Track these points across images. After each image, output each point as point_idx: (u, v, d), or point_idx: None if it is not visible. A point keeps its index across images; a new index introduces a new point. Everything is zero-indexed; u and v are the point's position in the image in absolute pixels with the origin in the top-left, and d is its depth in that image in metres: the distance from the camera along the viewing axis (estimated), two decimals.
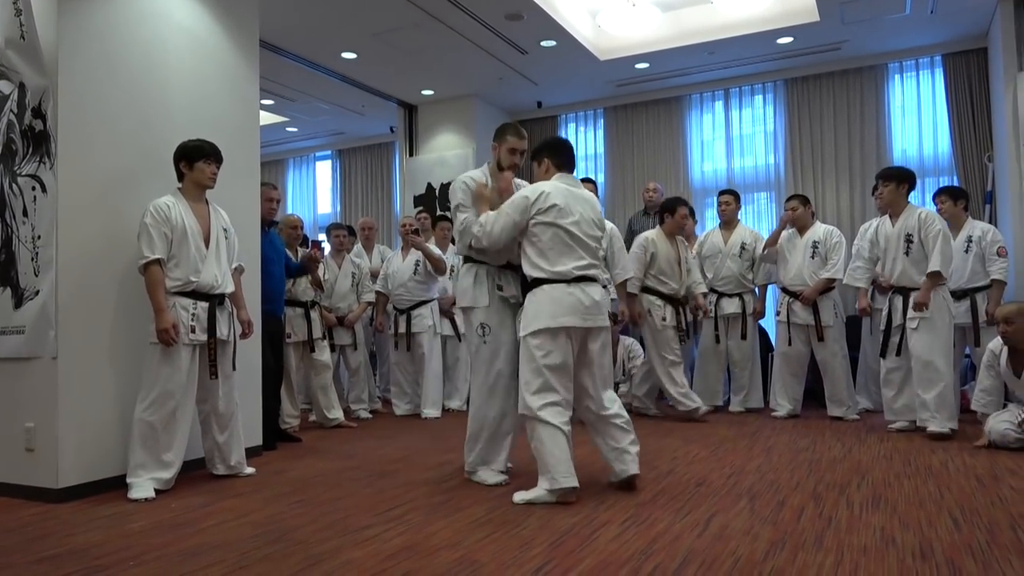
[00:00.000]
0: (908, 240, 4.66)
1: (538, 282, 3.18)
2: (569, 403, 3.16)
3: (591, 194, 3.41)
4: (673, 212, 5.41)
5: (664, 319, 5.34)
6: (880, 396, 5.60)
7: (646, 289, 5.39)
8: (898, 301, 4.70)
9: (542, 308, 3.13)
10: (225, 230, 3.69)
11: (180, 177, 3.61)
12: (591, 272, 3.22)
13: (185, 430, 3.51)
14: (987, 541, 2.51)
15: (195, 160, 3.57)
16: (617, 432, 3.30)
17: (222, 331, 3.60)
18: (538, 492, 3.05)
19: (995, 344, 4.30)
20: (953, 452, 4.06)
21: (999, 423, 4.14)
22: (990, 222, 5.97)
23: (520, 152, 3.58)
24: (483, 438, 3.45)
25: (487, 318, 3.41)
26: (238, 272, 3.84)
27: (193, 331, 3.48)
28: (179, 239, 3.47)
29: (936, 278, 4.51)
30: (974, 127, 6.49)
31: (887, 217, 4.86)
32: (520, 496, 3.04)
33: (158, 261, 3.43)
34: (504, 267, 3.48)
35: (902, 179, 4.72)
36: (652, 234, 5.48)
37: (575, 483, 3.04)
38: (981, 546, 2.46)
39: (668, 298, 5.37)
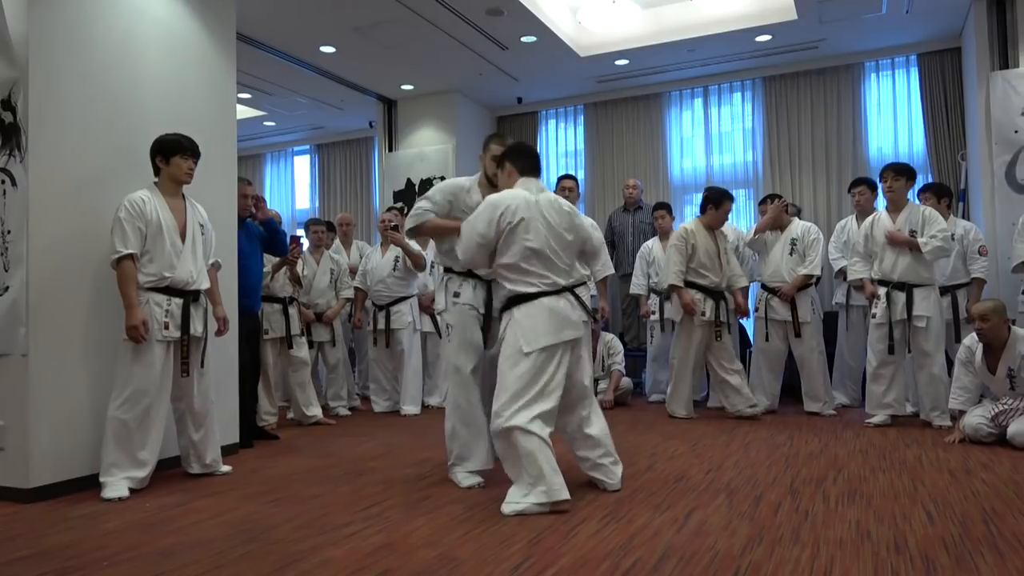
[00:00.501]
0: (911, 235, 4.71)
1: (529, 296, 3.08)
2: (554, 417, 3.09)
3: (557, 197, 3.29)
4: (718, 205, 5.24)
5: (704, 314, 5.20)
6: (856, 392, 5.70)
7: (688, 284, 5.26)
8: (899, 297, 4.73)
9: (542, 322, 3.04)
10: (202, 225, 3.65)
11: (156, 172, 3.57)
12: (571, 281, 3.20)
13: (159, 428, 3.47)
14: (960, 535, 2.55)
15: (171, 155, 3.53)
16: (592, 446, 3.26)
17: (196, 328, 3.56)
18: (527, 503, 2.92)
19: (971, 340, 4.36)
20: (927, 447, 4.11)
21: (973, 417, 4.21)
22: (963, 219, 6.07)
23: None
24: (460, 433, 3.43)
25: (450, 319, 3.47)
26: (215, 268, 3.80)
27: (166, 327, 3.45)
28: (154, 234, 3.43)
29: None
30: (948, 126, 6.58)
31: (884, 213, 4.89)
32: (510, 508, 2.91)
33: (131, 256, 3.39)
34: (466, 274, 3.49)
35: (912, 175, 4.83)
36: (691, 226, 5.31)
37: (568, 495, 2.96)
38: (955, 539, 2.49)
39: (708, 291, 5.24)
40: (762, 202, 5.99)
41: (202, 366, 3.63)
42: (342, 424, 5.40)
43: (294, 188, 9.92)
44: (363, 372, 6.63)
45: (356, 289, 5.94)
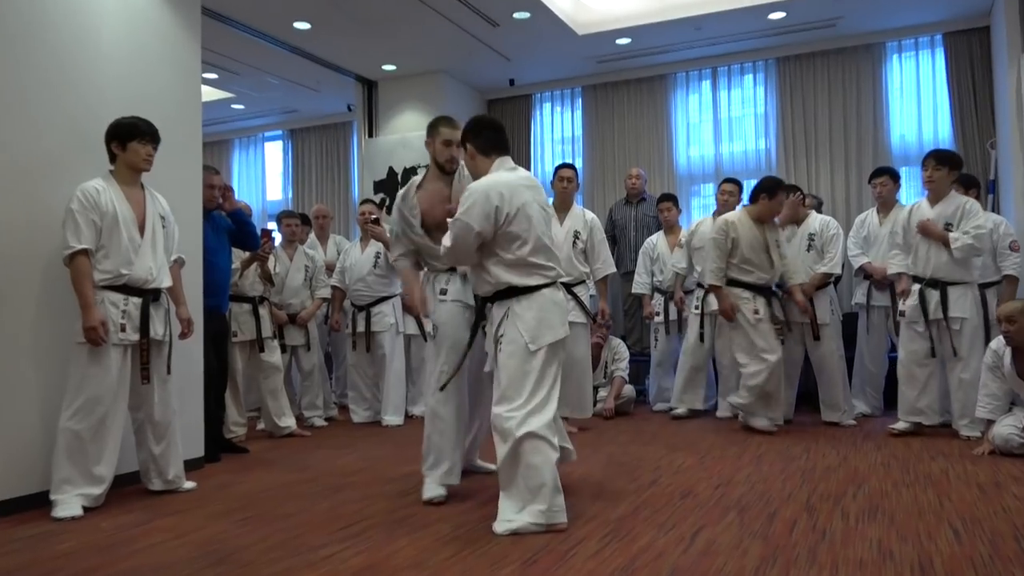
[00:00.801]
0: (947, 229, 4.71)
1: (530, 288, 3.07)
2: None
3: (529, 175, 3.28)
4: (772, 194, 5.10)
5: (757, 312, 5.06)
6: (878, 400, 5.72)
7: (731, 282, 5.14)
8: (932, 295, 4.73)
9: (548, 316, 3.04)
10: (163, 217, 3.63)
11: (112, 159, 3.55)
12: (564, 275, 3.25)
13: (116, 440, 3.45)
14: (990, 554, 2.55)
15: (129, 140, 3.50)
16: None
17: (156, 330, 3.55)
18: (523, 521, 2.91)
19: (998, 344, 4.37)
20: (954, 459, 4.13)
21: (1003, 427, 4.22)
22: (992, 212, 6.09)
23: (456, 144, 3.53)
24: (435, 443, 3.42)
25: (438, 318, 3.46)
26: (177, 264, 3.78)
27: (123, 329, 3.43)
28: (109, 227, 3.41)
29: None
30: (976, 111, 6.60)
31: (924, 202, 4.89)
32: (504, 526, 2.90)
33: (85, 251, 3.36)
34: (450, 269, 3.51)
35: (956, 164, 4.79)
36: (734, 216, 5.19)
37: (566, 518, 2.96)
38: (984, 559, 2.50)
39: (757, 288, 5.11)
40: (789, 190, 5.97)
41: (165, 372, 3.61)
42: (318, 436, 5.38)
43: (265, 177, 9.89)
44: (341, 379, 6.62)
45: (333, 288, 5.93)
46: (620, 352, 6.09)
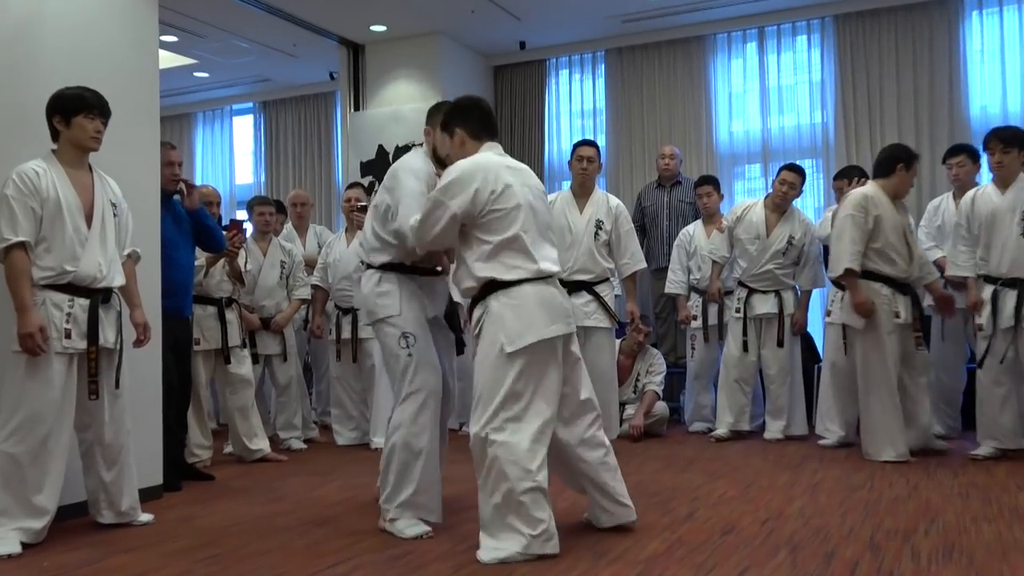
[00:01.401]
0: None
1: (509, 283, 3.12)
2: (549, 435, 3.13)
3: (516, 162, 3.35)
4: (909, 164, 4.93)
5: (897, 315, 4.87)
6: (955, 419, 5.69)
7: (867, 274, 4.91)
8: (1009, 296, 4.70)
9: (528, 313, 3.08)
10: (114, 205, 3.64)
11: (54, 136, 3.56)
12: (560, 270, 3.27)
13: (60, 465, 3.46)
14: None
15: (74, 114, 3.51)
16: (601, 470, 3.36)
17: (107, 337, 3.56)
18: (511, 549, 2.99)
19: None
20: None
21: None
22: None
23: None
24: (410, 476, 3.42)
25: (410, 326, 3.44)
26: (132, 260, 3.80)
27: (68, 336, 3.43)
28: (51, 216, 3.42)
29: None
30: None
31: (989, 187, 4.87)
32: (488, 555, 2.98)
33: (22, 245, 3.37)
34: (406, 269, 3.52)
35: None
36: (871, 191, 4.94)
37: (558, 548, 3.03)
38: None
39: (895, 284, 4.90)
40: (837, 177, 5.97)
41: (116, 386, 3.62)
42: (296, 460, 5.40)
43: (233, 158, 9.91)
44: (323, 394, 6.64)
45: (314, 287, 5.95)
46: (656, 364, 6.09)
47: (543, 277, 3.15)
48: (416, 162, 3.57)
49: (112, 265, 3.58)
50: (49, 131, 3.57)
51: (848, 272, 4.88)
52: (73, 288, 3.47)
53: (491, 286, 3.14)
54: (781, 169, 5.91)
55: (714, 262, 6.04)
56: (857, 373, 5.05)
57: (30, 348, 3.35)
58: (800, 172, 5.86)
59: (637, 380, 6.05)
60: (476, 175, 3.13)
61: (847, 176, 5.81)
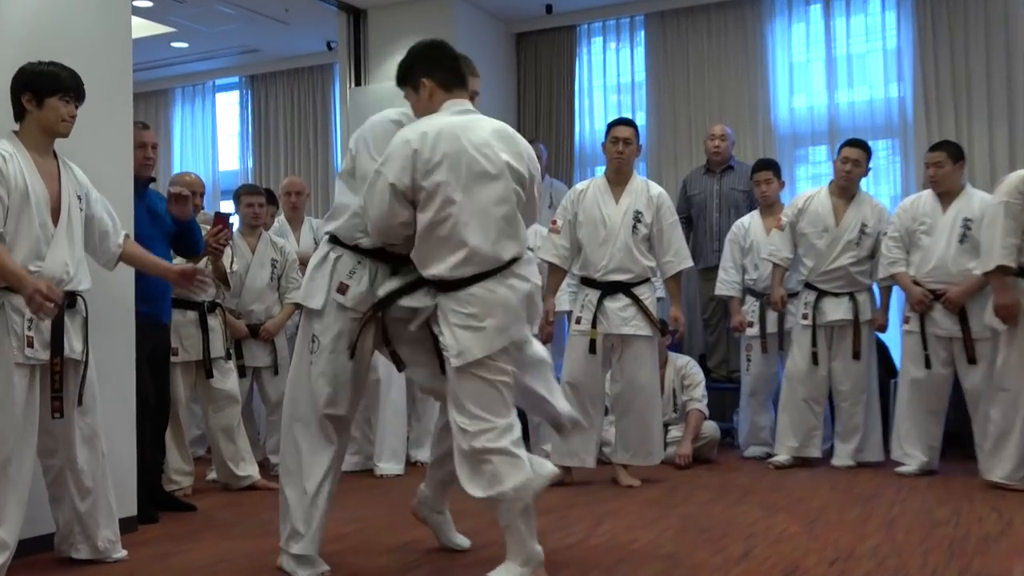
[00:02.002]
0: None
1: (456, 283, 3.13)
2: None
3: (498, 124, 3.31)
4: None
5: None
6: None
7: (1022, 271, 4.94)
8: None
9: (479, 319, 3.10)
10: (80, 198, 3.67)
11: (18, 115, 3.59)
12: (520, 251, 3.22)
13: (21, 493, 3.48)
14: None
15: (46, 94, 3.54)
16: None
17: (73, 347, 3.58)
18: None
19: None
20: None
21: None
22: None
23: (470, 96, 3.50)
24: (293, 505, 3.42)
25: (321, 328, 3.42)
26: (128, 239, 3.92)
27: (30, 344, 3.44)
28: (17, 208, 3.44)
29: None
30: None
31: None
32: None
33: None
34: (368, 253, 3.45)
35: None
36: None
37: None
38: None
39: None
40: (932, 150, 5.75)
41: (79, 402, 3.63)
42: None
43: (216, 140, 9.98)
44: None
45: None
46: (691, 375, 6.06)
47: (493, 271, 3.17)
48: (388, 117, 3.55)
49: (79, 266, 3.61)
50: (13, 110, 3.59)
51: (1000, 269, 4.86)
52: None
53: (441, 284, 3.19)
54: (842, 146, 5.90)
55: (775, 265, 5.99)
56: (982, 380, 5.17)
57: (42, 304, 3.30)
58: (864, 147, 5.84)
59: (674, 396, 6.02)
60: (411, 141, 3.12)
61: (938, 153, 5.54)
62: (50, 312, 3.35)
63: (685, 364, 6.13)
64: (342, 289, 3.37)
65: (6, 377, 3.41)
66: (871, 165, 5.90)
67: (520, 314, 3.17)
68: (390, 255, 3.38)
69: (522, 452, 3.07)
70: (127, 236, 3.90)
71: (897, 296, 6.04)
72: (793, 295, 6.07)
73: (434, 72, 3.30)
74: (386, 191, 3.12)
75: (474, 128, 3.18)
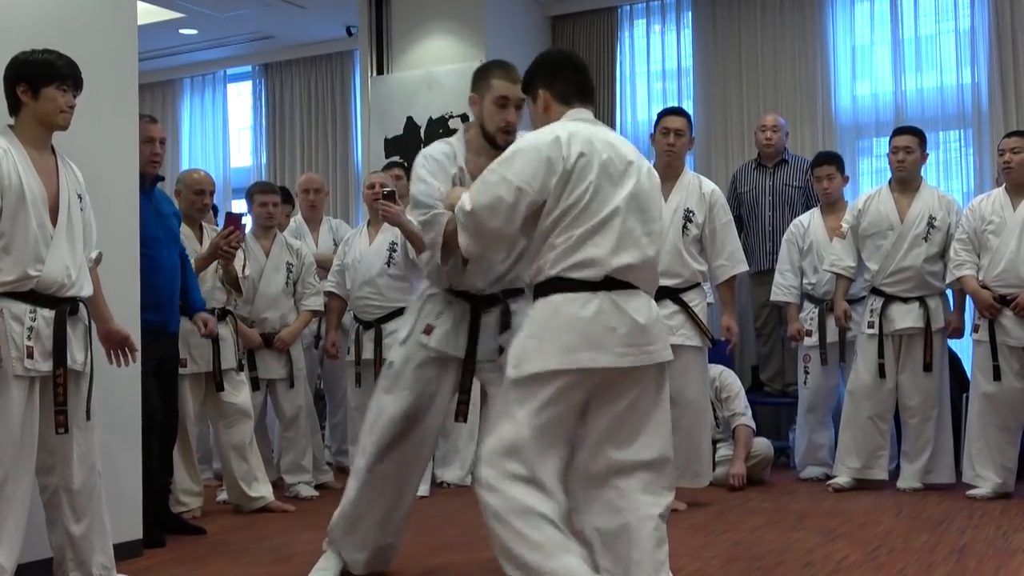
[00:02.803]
0: None
1: (545, 288, 3.07)
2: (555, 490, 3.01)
3: (623, 139, 3.33)
4: None
5: None
6: None
7: None
8: None
9: (551, 331, 3.00)
10: (80, 197, 3.69)
11: (14, 109, 3.61)
12: (647, 272, 3.13)
13: (20, 515, 3.51)
14: None
15: (44, 84, 3.55)
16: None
17: (75, 357, 3.59)
18: None
19: None
20: None
21: None
22: None
23: (516, 104, 3.57)
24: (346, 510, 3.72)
25: (397, 356, 3.75)
26: (95, 263, 3.83)
27: (30, 355, 3.46)
28: (13, 208, 3.45)
29: None
30: None
31: None
32: None
33: None
34: (458, 294, 3.69)
35: None
36: None
37: None
38: None
39: None
40: (1007, 137, 5.71)
41: (88, 417, 3.66)
42: (304, 510, 5.45)
43: (228, 133, 10.05)
44: (338, 428, 6.68)
45: (328, 295, 6.00)
46: (728, 385, 6.04)
47: (591, 285, 3.05)
48: (436, 148, 3.72)
49: (80, 270, 3.62)
50: (7, 103, 3.61)
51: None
52: (35, 297, 3.50)
53: (541, 286, 3.14)
54: (892, 134, 5.90)
55: (839, 276, 5.96)
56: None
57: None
58: (914, 131, 5.83)
59: (713, 410, 6.00)
60: (542, 148, 3.05)
61: (1013, 139, 5.51)
62: None
63: (719, 374, 6.07)
64: (428, 330, 3.69)
65: (4, 390, 3.42)
66: (942, 157, 5.87)
67: None
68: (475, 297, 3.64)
69: None
70: (99, 256, 3.86)
71: (969, 304, 6.00)
72: (856, 302, 6.04)
73: (551, 84, 3.29)
74: (510, 192, 3.08)
75: (601, 139, 3.17)
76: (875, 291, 5.80)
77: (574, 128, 3.11)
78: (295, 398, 5.89)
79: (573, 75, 3.29)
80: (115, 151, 4.34)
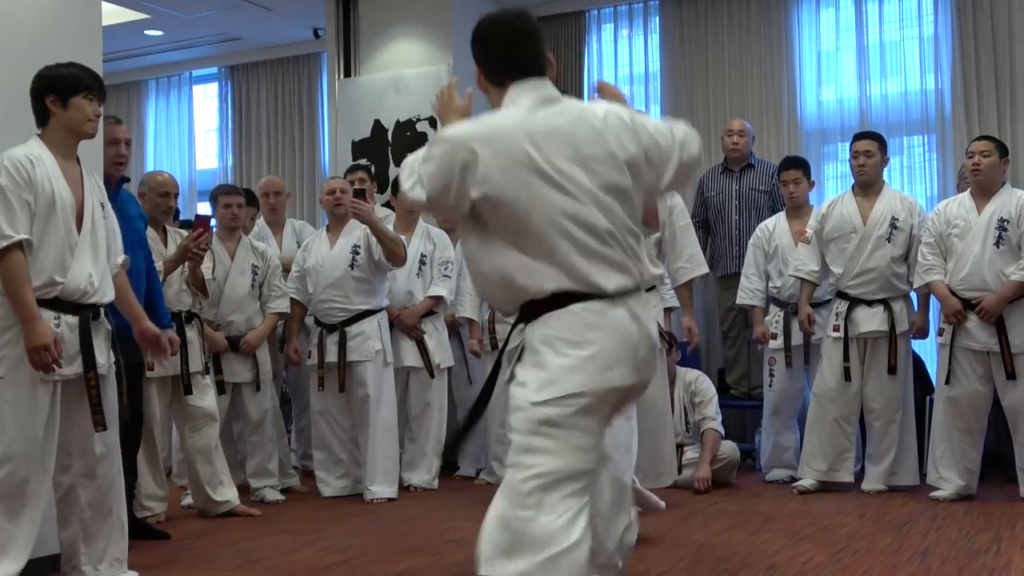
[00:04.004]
0: None
1: (554, 300, 2.65)
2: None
3: (596, 106, 2.89)
4: None
5: None
6: None
7: None
8: None
9: (575, 347, 2.63)
10: (102, 206, 3.78)
11: (42, 120, 3.69)
12: (627, 279, 2.73)
13: (36, 514, 3.56)
14: None
15: (72, 94, 3.64)
16: None
17: (99, 360, 3.68)
18: None
19: None
20: None
21: None
22: None
23: None
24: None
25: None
26: (123, 268, 3.96)
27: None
28: (44, 215, 3.53)
29: None
30: None
31: None
32: None
33: (20, 245, 3.47)
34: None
35: None
36: None
37: None
38: None
39: None
40: (975, 141, 5.73)
41: (122, 416, 3.83)
42: (271, 515, 5.44)
43: (193, 136, 9.99)
44: (304, 432, 6.66)
45: (290, 301, 5.99)
46: (703, 390, 6.06)
47: (599, 295, 2.69)
48: None
49: (103, 277, 3.71)
50: (35, 114, 3.68)
51: None
52: (60, 303, 3.58)
53: (532, 305, 2.74)
54: (855, 139, 5.91)
55: (803, 281, 5.97)
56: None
57: (43, 363, 3.44)
58: (874, 136, 5.86)
59: (685, 414, 6.03)
60: (468, 137, 2.70)
61: (982, 143, 5.53)
62: (49, 372, 3.47)
63: (695, 379, 6.12)
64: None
65: (29, 395, 3.51)
66: (906, 162, 5.92)
67: None
68: None
69: None
70: (125, 261, 3.97)
71: (934, 307, 6.05)
72: (821, 305, 6.07)
73: (487, 59, 3.00)
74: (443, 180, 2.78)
75: (554, 115, 2.81)
76: (840, 294, 5.83)
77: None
78: (261, 402, 5.87)
79: (505, 45, 2.93)
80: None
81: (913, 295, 5.88)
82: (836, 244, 5.81)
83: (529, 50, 2.95)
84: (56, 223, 3.54)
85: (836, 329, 5.79)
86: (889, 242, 5.70)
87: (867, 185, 5.83)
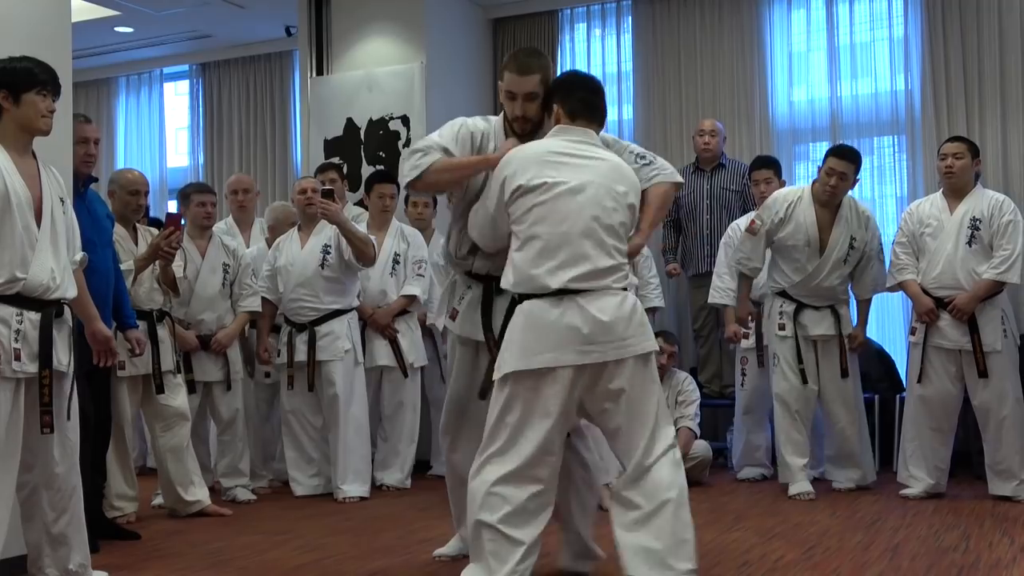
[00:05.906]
0: None
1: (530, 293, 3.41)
2: (541, 481, 3.38)
3: (609, 157, 3.56)
4: None
5: None
6: None
7: None
8: None
9: (521, 333, 3.37)
10: (62, 201, 3.74)
11: None
12: (597, 281, 3.39)
13: (3, 515, 3.53)
14: None
15: (24, 90, 3.59)
16: None
17: (60, 358, 3.63)
18: None
19: None
20: None
21: None
22: None
23: (525, 97, 3.67)
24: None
25: (449, 348, 3.94)
26: (80, 265, 3.88)
27: (17, 357, 3.49)
28: (0, 212, 3.49)
29: None
30: None
31: None
32: None
33: None
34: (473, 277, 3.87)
35: None
36: None
37: None
38: None
39: None
40: (947, 142, 5.74)
41: (68, 417, 3.70)
42: (242, 514, 5.43)
43: (164, 133, 9.94)
44: (275, 430, 6.64)
45: (261, 300, 5.96)
46: (687, 392, 6.09)
47: (546, 293, 3.36)
48: (476, 121, 3.85)
49: (64, 273, 3.66)
50: None
51: None
52: (21, 300, 3.53)
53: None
54: (828, 154, 5.71)
55: (742, 275, 5.87)
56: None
57: None
58: (853, 158, 5.65)
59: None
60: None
61: (954, 144, 5.57)
62: None
63: (682, 380, 6.15)
64: (452, 315, 3.89)
65: None
66: (876, 163, 5.93)
67: None
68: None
69: None
70: (83, 258, 3.90)
71: (904, 306, 6.10)
72: (758, 304, 6.10)
73: (565, 100, 3.58)
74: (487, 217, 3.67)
75: (564, 154, 3.51)
76: (783, 294, 5.80)
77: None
78: (232, 401, 5.85)
79: (581, 95, 3.58)
80: (48, 151, 4.26)
81: (852, 304, 5.89)
82: (789, 252, 5.72)
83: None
84: (13, 219, 3.49)
85: (782, 328, 5.76)
86: (845, 263, 5.69)
87: (826, 204, 5.67)
